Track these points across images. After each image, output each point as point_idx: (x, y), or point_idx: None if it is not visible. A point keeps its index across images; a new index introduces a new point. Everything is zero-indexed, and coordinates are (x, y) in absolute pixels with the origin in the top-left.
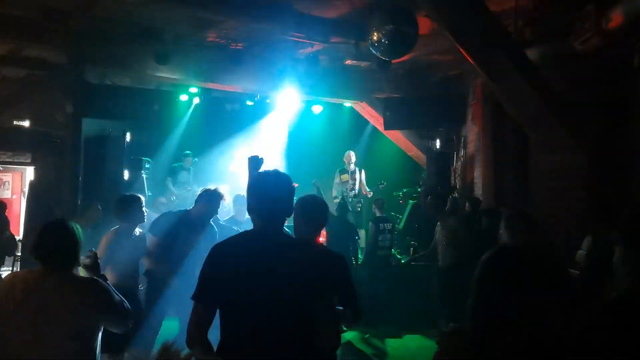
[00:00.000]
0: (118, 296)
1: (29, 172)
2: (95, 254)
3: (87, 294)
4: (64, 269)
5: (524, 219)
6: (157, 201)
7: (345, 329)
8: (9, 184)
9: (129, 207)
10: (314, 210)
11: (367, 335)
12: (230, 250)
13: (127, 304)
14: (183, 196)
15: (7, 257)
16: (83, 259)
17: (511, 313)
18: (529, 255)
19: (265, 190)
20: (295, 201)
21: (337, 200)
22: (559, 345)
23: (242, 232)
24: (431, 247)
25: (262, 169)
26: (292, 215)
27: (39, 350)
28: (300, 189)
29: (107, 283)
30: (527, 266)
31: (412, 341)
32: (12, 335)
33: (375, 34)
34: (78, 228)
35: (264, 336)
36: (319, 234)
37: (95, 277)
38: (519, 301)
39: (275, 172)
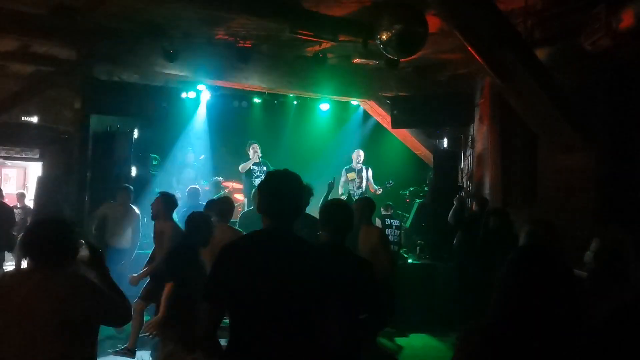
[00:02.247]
0: (114, 292)
1: (32, 168)
2: (92, 246)
3: (72, 290)
4: (52, 266)
5: (547, 226)
6: None
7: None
8: (13, 179)
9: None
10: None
11: None
12: (240, 249)
13: (123, 300)
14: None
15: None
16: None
17: (535, 312)
18: (554, 257)
19: (275, 189)
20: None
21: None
22: (572, 345)
23: (251, 231)
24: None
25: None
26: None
27: (27, 349)
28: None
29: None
30: (552, 267)
31: (418, 340)
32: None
33: (384, 32)
34: (71, 224)
35: (272, 337)
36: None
37: (81, 273)
38: (543, 301)
39: (286, 171)
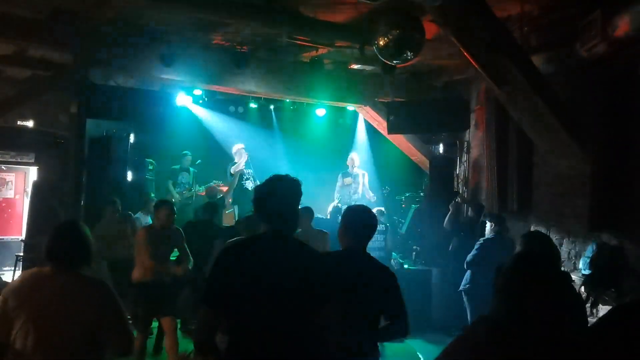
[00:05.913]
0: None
1: (32, 172)
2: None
3: (92, 293)
4: (73, 270)
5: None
6: (149, 204)
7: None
8: (12, 183)
9: None
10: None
11: None
12: (239, 254)
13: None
14: (184, 197)
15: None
16: None
17: (538, 313)
18: (552, 262)
19: (275, 194)
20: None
21: (335, 203)
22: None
23: (251, 236)
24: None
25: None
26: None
27: (40, 348)
28: (303, 192)
29: None
30: (551, 270)
31: (414, 345)
32: (16, 331)
33: (381, 38)
34: (87, 230)
35: (271, 340)
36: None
37: (102, 280)
38: (544, 303)
39: (285, 177)
